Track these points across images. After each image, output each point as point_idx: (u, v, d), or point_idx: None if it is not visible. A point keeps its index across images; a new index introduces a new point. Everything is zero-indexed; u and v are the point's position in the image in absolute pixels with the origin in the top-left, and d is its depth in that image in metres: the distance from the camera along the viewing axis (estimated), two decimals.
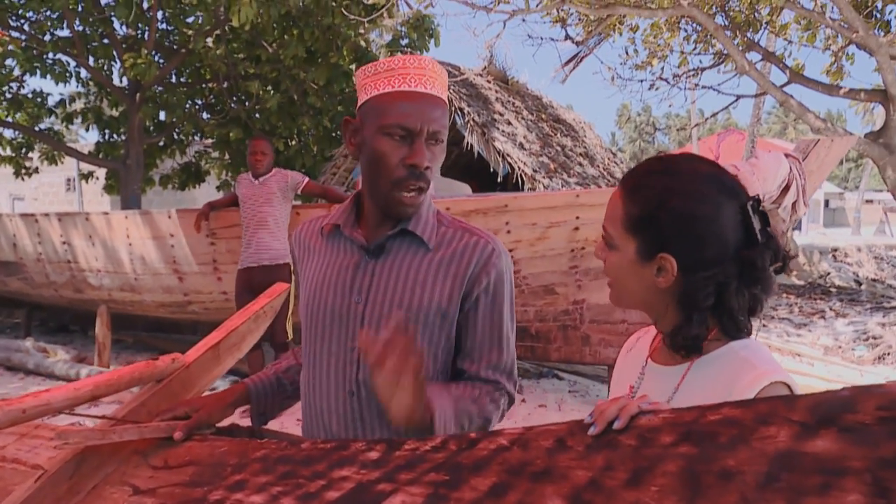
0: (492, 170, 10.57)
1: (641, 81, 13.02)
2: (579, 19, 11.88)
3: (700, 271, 1.12)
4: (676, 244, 1.12)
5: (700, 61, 12.71)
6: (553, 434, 0.97)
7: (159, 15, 10.48)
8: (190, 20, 10.75)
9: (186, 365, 1.65)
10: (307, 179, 5.37)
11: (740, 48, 10.17)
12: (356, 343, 1.43)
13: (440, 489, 1.01)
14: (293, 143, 11.76)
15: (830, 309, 9.48)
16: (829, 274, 11.88)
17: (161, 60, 10.51)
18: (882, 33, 9.34)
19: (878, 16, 9.98)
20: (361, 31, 11.25)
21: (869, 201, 31.37)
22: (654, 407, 0.91)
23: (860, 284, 11.44)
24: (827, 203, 41.57)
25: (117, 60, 10.72)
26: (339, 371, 1.46)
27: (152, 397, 1.57)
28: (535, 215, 5.06)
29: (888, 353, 7.29)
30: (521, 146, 10.90)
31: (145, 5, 10.51)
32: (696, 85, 12.39)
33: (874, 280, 11.79)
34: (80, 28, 10.30)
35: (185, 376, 1.64)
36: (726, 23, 10.61)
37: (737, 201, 1.13)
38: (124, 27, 10.80)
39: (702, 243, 1.11)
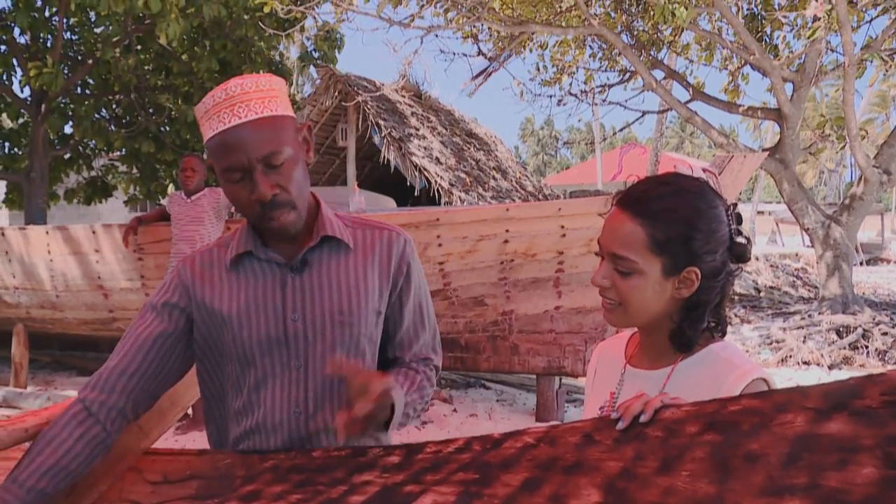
0: (409, 184, 10.68)
1: (550, 97, 13.33)
2: (490, 35, 12.14)
3: (716, 277, 1.25)
4: (703, 257, 1.24)
5: (607, 78, 13.18)
6: (579, 430, 1.06)
7: (64, 23, 10.11)
8: (99, 30, 10.42)
9: None
10: None
11: (646, 66, 10.64)
12: (301, 361, 1.44)
13: (471, 487, 1.08)
14: (206, 157, 11.53)
15: (735, 315, 10.00)
16: None
17: (67, 70, 10.13)
18: (773, 56, 9.95)
19: (768, 40, 10.63)
20: (274, 43, 11.19)
21: (761, 212, 33.07)
22: (677, 401, 1.01)
23: (759, 292, 12.11)
24: None
25: (17, 69, 10.28)
26: (284, 392, 1.45)
27: None
28: (466, 229, 5.17)
29: (790, 356, 7.77)
30: (438, 160, 11.05)
31: (47, 13, 10.14)
32: (604, 100, 12.84)
33: (772, 287, 12.49)
34: None
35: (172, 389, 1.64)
36: (631, 42, 11.07)
37: (724, 208, 1.28)
38: (23, 35, 10.37)
39: (717, 251, 1.25)
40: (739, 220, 1.30)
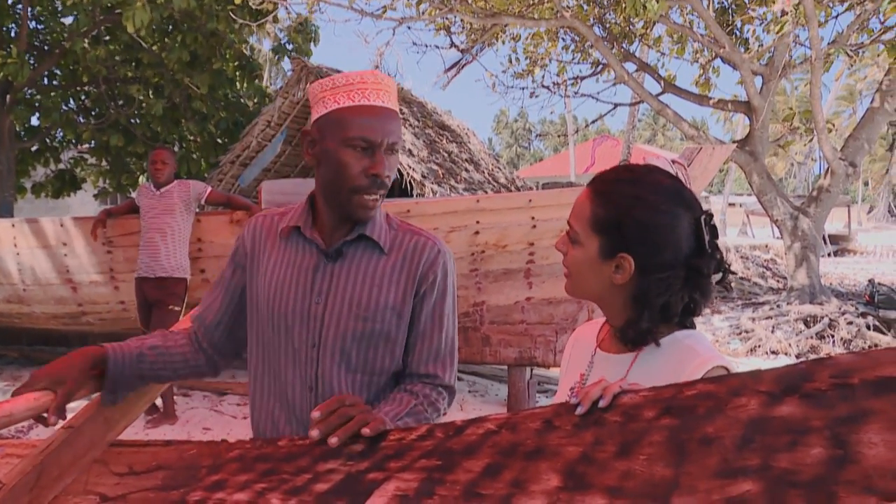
0: None
1: (523, 89, 13.35)
2: (462, 27, 12.13)
3: (655, 273, 1.25)
4: (636, 247, 1.25)
5: (580, 70, 13.22)
6: (539, 416, 1.07)
7: (29, 12, 9.93)
8: (69, 20, 10.25)
9: None
10: (210, 188, 5.29)
11: (618, 58, 10.70)
12: (315, 341, 1.51)
13: (434, 474, 1.08)
14: (177, 149, 11.43)
15: (706, 306, 10.12)
16: None
17: (33, 61, 9.96)
18: (743, 49, 10.05)
19: (738, 34, 10.73)
20: (245, 36, 11.09)
21: (732, 204, 33.42)
22: (634, 387, 1.02)
23: (731, 283, 12.27)
24: None
25: None
26: (299, 368, 1.52)
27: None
28: (437, 220, 5.17)
29: (758, 346, 7.89)
30: (410, 152, 11.02)
31: (10, 1, 9.97)
32: (577, 93, 12.88)
33: (742, 278, 12.65)
34: None
35: None
36: (603, 34, 11.12)
37: (692, 214, 1.26)
38: None
39: (658, 249, 1.24)
40: (714, 233, 1.28)
